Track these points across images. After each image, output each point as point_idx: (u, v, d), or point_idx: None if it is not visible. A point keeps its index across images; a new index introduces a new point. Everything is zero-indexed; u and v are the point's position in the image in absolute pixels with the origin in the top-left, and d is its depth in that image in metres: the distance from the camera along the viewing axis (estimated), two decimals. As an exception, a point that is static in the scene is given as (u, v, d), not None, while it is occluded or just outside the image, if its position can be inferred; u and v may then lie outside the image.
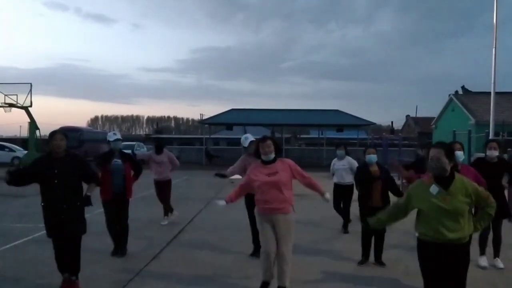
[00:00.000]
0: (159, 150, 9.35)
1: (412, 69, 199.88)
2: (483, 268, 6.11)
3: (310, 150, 39.80)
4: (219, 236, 7.70)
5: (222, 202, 5.07)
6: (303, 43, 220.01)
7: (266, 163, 4.99)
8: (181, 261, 6.34)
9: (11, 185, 4.87)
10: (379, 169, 6.42)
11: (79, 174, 5.02)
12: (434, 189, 3.53)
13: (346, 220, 8.55)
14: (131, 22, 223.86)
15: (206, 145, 35.15)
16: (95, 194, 5.37)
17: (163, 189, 9.31)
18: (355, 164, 8.43)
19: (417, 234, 3.67)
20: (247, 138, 6.66)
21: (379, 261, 6.25)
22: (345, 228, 8.48)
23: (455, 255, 3.49)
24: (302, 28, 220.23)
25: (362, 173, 6.54)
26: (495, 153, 6.23)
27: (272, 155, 4.98)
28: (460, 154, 5.13)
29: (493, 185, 6.15)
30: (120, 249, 6.59)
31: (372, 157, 6.46)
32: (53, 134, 5.02)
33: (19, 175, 4.91)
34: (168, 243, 7.43)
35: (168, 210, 9.32)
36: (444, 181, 3.53)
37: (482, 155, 6.51)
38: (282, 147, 5.25)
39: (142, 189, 14.09)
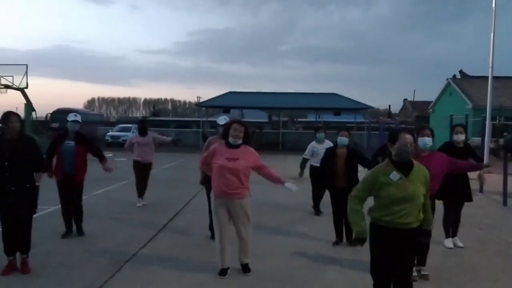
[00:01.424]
0: (143, 132, 9.23)
1: (411, 53, 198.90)
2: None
3: (307, 133, 39.77)
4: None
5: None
6: (302, 26, 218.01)
7: (230, 146, 4.96)
8: (177, 244, 6.37)
9: None
10: (347, 152, 6.48)
11: (30, 158, 4.97)
12: (395, 175, 3.55)
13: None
14: (129, 3, 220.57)
15: (203, 128, 35.08)
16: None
17: (144, 171, 9.24)
18: None
19: (370, 218, 3.70)
20: (226, 119, 6.42)
21: (351, 241, 6.33)
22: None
23: (405, 239, 3.54)
24: (301, 10, 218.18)
25: (328, 155, 6.66)
26: (462, 137, 6.30)
27: (239, 141, 4.95)
28: (427, 140, 5.05)
29: None
30: (77, 230, 6.57)
31: (343, 140, 6.52)
32: (8, 115, 4.91)
33: None
34: (163, 225, 7.46)
35: (144, 192, 9.27)
36: (406, 167, 3.57)
37: (478, 139, 6.54)
38: (250, 139, 5.21)
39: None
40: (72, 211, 6.57)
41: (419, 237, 3.67)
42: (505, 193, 10.11)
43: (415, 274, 4.81)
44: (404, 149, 3.55)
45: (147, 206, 9.06)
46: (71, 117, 6.56)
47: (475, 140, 15.98)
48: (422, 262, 5.13)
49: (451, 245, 6.34)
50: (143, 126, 9.44)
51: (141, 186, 9.23)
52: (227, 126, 5.07)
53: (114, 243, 6.35)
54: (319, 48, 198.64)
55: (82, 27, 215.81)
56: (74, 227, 6.64)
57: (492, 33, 16.55)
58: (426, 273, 5.10)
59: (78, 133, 6.59)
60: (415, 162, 3.65)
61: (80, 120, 6.60)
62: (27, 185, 4.96)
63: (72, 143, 6.40)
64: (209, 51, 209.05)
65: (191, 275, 5.10)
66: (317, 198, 8.75)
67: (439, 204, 5.61)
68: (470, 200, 6.40)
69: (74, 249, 5.95)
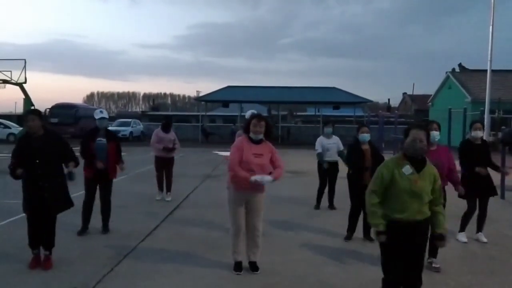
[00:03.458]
0: (167, 128, 9.23)
1: (410, 46, 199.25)
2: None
3: (307, 127, 39.84)
4: (214, 213, 7.76)
5: (266, 178, 4.78)
6: (302, 20, 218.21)
7: (253, 141, 4.98)
8: (176, 238, 6.41)
9: (19, 178, 4.93)
10: (370, 148, 6.53)
11: (58, 151, 5.05)
12: (407, 169, 3.57)
13: (332, 196, 8.70)
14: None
15: (202, 122, 35.10)
16: (79, 170, 5.45)
17: (168, 166, 9.29)
18: (341, 143, 8.56)
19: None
20: (254, 112, 6.40)
21: (368, 237, 6.34)
22: (331, 204, 8.68)
23: (415, 233, 3.57)
24: (301, 4, 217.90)
25: (355, 152, 6.61)
26: (480, 133, 6.33)
27: (260, 136, 4.96)
28: (436, 134, 5.16)
29: (478, 166, 6.26)
30: (103, 227, 6.60)
31: (366, 136, 6.56)
32: (25, 116, 5.05)
33: (17, 165, 4.92)
34: (163, 219, 7.49)
35: (170, 187, 9.34)
36: (418, 163, 3.60)
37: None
38: (273, 131, 5.22)
39: (137, 166, 14.12)
40: (101, 207, 6.60)
41: (436, 241, 3.70)
42: (503, 187, 10.15)
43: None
44: (413, 145, 3.57)
45: (147, 200, 9.09)
46: (97, 114, 6.58)
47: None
48: (433, 254, 5.17)
49: (465, 240, 6.34)
50: (168, 122, 9.38)
51: (166, 182, 9.29)
52: (247, 122, 5.08)
53: (114, 236, 6.39)
54: (319, 42, 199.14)
55: (81, 21, 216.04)
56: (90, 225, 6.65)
57: (491, 27, 16.58)
58: (438, 265, 5.13)
59: (108, 130, 6.63)
60: (428, 161, 3.66)
61: (107, 116, 6.64)
62: (59, 180, 5.03)
63: (103, 140, 6.43)
64: (209, 45, 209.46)
65: (190, 269, 5.13)
66: (322, 192, 8.77)
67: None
68: (495, 194, 6.45)
69: (73, 243, 5.99)
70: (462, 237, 6.37)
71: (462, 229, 6.43)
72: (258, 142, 4.97)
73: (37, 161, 4.85)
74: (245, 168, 4.84)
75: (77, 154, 6.40)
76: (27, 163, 4.88)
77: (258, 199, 5.02)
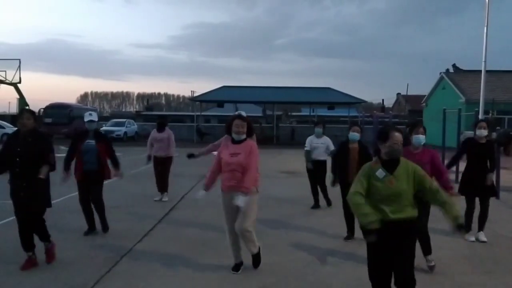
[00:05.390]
0: (161, 128, 9.28)
1: (405, 47, 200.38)
2: (471, 241, 6.36)
3: (302, 127, 39.86)
4: (210, 213, 7.74)
5: (202, 193, 5.05)
6: (298, 20, 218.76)
7: (234, 142, 4.99)
8: (173, 239, 6.40)
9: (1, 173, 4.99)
10: (358, 147, 6.57)
11: (41, 153, 5.00)
12: (380, 173, 3.61)
13: (325, 195, 8.77)
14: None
15: (197, 122, 35.06)
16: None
17: (163, 166, 9.30)
18: (331, 144, 8.63)
19: None
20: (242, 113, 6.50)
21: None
22: (324, 203, 8.75)
23: (399, 232, 3.57)
24: (297, 5, 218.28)
25: (341, 148, 6.72)
26: (485, 132, 6.35)
27: (243, 137, 4.96)
28: (422, 138, 5.17)
29: (480, 165, 6.31)
30: (101, 226, 6.59)
31: (355, 135, 6.62)
32: (21, 112, 5.07)
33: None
34: (159, 220, 7.48)
35: (166, 187, 9.36)
36: (391, 165, 3.62)
37: (470, 133, 6.63)
38: (254, 129, 5.27)
39: (132, 166, 14.09)
40: (94, 208, 6.56)
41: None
42: (497, 187, 10.20)
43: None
44: (396, 148, 3.60)
45: (143, 200, 9.08)
46: (86, 117, 6.56)
47: (467, 134, 16.10)
48: (427, 251, 5.17)
49: (472, 238, 6.40)
50: (161, 122, 9.43)
51: (161, 181, 9.33)
52: (229, 123, 5.06)
53: (111, 237, 6.37)
54: (314, 42, 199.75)
55: (76, 21, 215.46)
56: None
57: (485, 27, 16.65)
58: (433, 264, 5.14)
59: (96, 131, 6.63)
60: (402, 159, 3.68)
61: (96, 119, 6.62)
62: (39, 181, 4.97)
63: (92, 142, 6.42)
64: (204, 45, 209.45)
65: (187, 269, 5.14)
66: (315, 191, 8.81)
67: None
68: (494, 195, 6.46)
69: (71, 244, 5.96)
70: (469, 236, 6.45)
71: (468, 228, 6.46)
72: (239, 142, 4.97)
73: (17, 159, 4.87)
74: (226, 168, 4.92)
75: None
76: (9, 161, 4.90)
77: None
